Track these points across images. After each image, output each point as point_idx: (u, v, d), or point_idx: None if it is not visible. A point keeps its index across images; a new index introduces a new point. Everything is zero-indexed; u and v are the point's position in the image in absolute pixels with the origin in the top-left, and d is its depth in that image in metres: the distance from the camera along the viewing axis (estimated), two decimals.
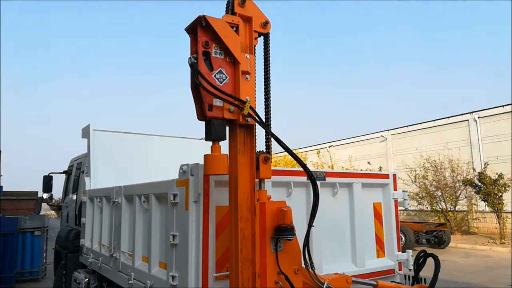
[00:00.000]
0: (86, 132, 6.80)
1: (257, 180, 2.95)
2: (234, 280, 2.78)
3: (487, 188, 16.08)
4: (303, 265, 2.98)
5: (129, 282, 4.09)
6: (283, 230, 2.77)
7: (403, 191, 4.43)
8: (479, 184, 16.58)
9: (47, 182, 8.59)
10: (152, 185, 3.85)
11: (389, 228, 4.32)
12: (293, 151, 2.95)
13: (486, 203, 16.89)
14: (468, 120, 27.28)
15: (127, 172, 6.06)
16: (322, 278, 3.08)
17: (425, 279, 3.82)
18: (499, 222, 16.41)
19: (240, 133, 2.86)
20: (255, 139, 2.90)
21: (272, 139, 2.99)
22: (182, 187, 3.24)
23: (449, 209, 19.59)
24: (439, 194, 19.85)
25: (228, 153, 2.89)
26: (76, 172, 7.92)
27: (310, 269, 2.96)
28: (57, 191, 9.67)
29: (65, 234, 7.53)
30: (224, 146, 2.93)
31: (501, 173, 16.25)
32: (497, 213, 16.37)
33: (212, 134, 2.74)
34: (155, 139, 7.19)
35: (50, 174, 8.65)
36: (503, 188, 15.92)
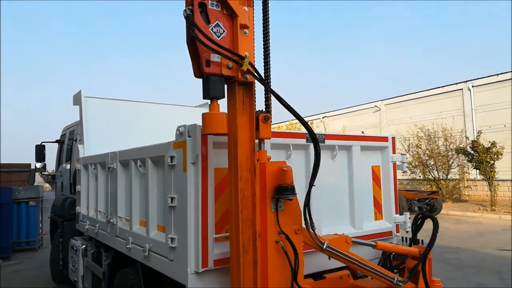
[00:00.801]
0: (77, 99, 6.64)
1: (257, 140, 2.87)
2: (234, 240, 2.76)
3: (479, 156, 16.23)
4: (303, 226, 2.96)
5: (127, 246, 4.07)
6: (284, 190, 2.72)
7: (402, 154, 4.40)
8: (472, 152, 16.73)
9: (40, 151, 8.46)
10: (148, 149, 3.77)
11: (387, 191, 4.31)
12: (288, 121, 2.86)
13: (478, 171, 17.10)
14: (462, 89, 27.24)
15: (121, 139, 5.92)
16: (322, 238, 3.08)
17: (422, 241, 3.84)
18: (490, 190, 16.68)
19: (239, 91, 2.76)
20: (255, 98, 2.80)
21: (272, 98, 2.90)
22: (179, 149, 3.16)
23: (441, 177, 19.85)
24: (432, 163, 20.05)
25: (226, 113, 2.80)
26: (69, 141, 7.80)
27: (310, 229, 2.94)
28: (51, 164, 9.56)
29: (61, 202, 7.49)
30: (223, 106, 2.84)
31: (493, 141, 16.38)
32: (488, 181, 16.61)
33: (210, 92, 2.63)
34: (148, 106, 7.05)
35: (43, 143, 8.52)
36: (496, 156, 16.09)
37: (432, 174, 19.96)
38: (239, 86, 2.76)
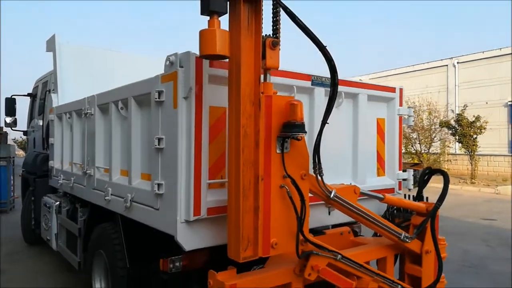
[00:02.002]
0: (51, 45, 6.02)
1: (262, 70, 2.46)
2: (233, 183, 2.39)
3: (463, 129, 16.28)
4: (310, 172, 2.61)
5: (105, 198, 3.66)
6: (293, 126, 2.34)
7: (409, 107, 4.08)
8: (456, 126, 16.77)
9: (10, 105, 7.82)
10: (131, 87, 3.31)
11: (392, 146, 4.00)
12: None
13: (461, 144, 17.21)
14: (447, 65, 27.24)
15: (97, 89, 5.39)
16: (330, 187, 2.74)
17: (427, 198, 3.58)
18: (471, 164, 16.86)
19: (244, 9, 2.32)
20: (262, 18, 2.37)
21: (280, 21, 2.47)
22: (169, 82, 2.72)
23: (423, 151, 19.97)
24: (415, 136, 20.10)
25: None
26: (42, 94, 7.17)
27: (318, 176, 2.59)
28: (22, 123, 8.82)
29: (32, 158, 6.97)
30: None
31: (478, 115, 16.42)
32: (470, 154, 16.76)
33: (210, 4, 2.19)
34: (131, 57, 6.47)
35: (13, 97, 7.86)
36: (479, 131, 16.17)
37: (415, 147, 20.04)
38: (244, 3, 2.32)
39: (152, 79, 2.94)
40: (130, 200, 3.22)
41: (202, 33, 2.23)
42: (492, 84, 24.13)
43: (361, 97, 3.67)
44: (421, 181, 3.59)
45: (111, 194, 3.61)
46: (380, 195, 3.18)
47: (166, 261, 2.97)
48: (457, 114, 17.26)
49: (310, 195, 2.64)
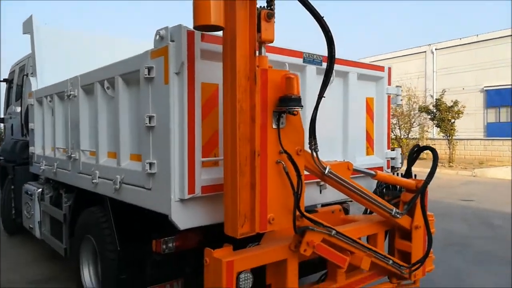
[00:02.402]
0: (28, 26, 5.78)
1: (257, 43, 2.41)
2: (230, 159, 2.35)
3: (442, 114, 16.62)
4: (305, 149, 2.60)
5: (93, 181, 3.57)
6: (290, 100, 2.31)
7: (397, 86, 4.11)
8: (434, 110, 17.10)
9: None
10: (118, 65, 3.20)
11: (380, 125, 4.03)
12: None
13: (439, 129, 17.58)
14: (425, 52, 27.66)
15: (77, 72, 5.23)
16: (324, 163, 2.74)
17: (415, 175, 3.63)
18: (449, 147, 17.27)
19: None
20: None
21: None
22: (159, 57, 2.64)
23: (402, 136, 20.33)
24: (394, 122, 20.41)
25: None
26: (19, 79, 6.90)
27: (314, 151, 2.58)
28: None
29: (11, 146, 6.75)
30: None
31: (456, 100, 16.78)
32: (448, 139, 17.16)
33: None
34: (108, 39, 6.27)
35: None
36: (457, 115, 16.54)
37: (394, 132, 20.37)
38: None
39: (141, 56, 2.85)
40: (120, 181, 3.15)
41: (196, 2, 2.15)
42: (468, 70, 24.68)
43: (351, 76, 3.67)
44: (410, 159, 3.64)
45: (99, 177, 3.53)
46: (372, 172, 3.21)
47: (159, 242, 2.93)
48: (436, 99, 17.59)
49: (305, 172, 2.64)
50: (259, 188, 2.35)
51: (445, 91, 18.03)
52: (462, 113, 16.73)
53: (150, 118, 2.72)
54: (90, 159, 3.80)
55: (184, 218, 2.63)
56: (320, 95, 2.45)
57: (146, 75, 2.71)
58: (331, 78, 3.45)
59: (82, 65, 5.20)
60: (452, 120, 16.66)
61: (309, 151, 2.61)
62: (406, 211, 3.25)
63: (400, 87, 4.10)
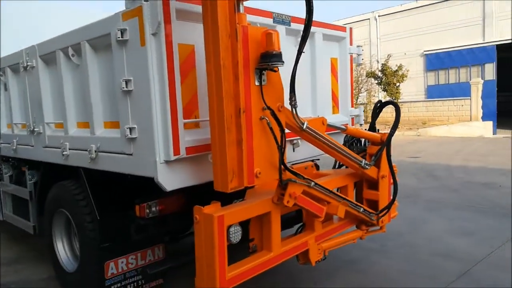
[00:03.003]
0: None
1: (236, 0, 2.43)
2: (216, 117, 2.40)
3: (387, 78, 17.42)
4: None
5: (63, 153, 3.46)
6: (271, 56, 2.39)
7: (358, 46, 4.29)
8: (381, 75, 17.87)
9: None
10: (83, 31, 3.07)
11: (344, 84, 4.22)
12: None
13: (385, 93, 18.43)
14: (369, 19, 28.47)
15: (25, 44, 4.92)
16: (302, 119, 2.86)
17: (378, 129, 3.88)
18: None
19: None
20: None
21: None
22: (132, 18, 2.59)
23: None
24: None
25: None
26: None
27: (293, 108, 2.69)
28: None
29: None
30: None
31: (400, 64, 17.60)
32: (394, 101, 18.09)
33: None
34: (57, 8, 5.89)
35: None
36: (401, 79, 17.41)
37: None
38: None
39: (110, 18, 2.76)
40: (95, 151, 3.09)
41: None
42: (409, 36, 25.82)
43: (317, 36, 3.78)
44: (374, 114, 3.88)
45: (70, 149, 3.43)
46: (343, 127, 3.39)
47: (143, 206, 2.96)
48: (382, 64, 18.34)
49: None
50: (246, 144, 2.43)
51: (390, 56, 18.82)
52: (406, 76, 17.63)
53: (127, 82, 2.68)
54: (57, 132, 3.67)
55: (170, 179, 2.67)
56: (300, 51, 2.53)
57: (119, 38, 2.65)
58: (298, 39, 3.56)
59: (29, 36, 4.91)
60: (397, 84, 17.53)
61: (288, 107, 2.71)
62: (374, 162, 3.49)
63: (361, 46, 4.29)
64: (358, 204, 3.47)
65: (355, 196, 3.83)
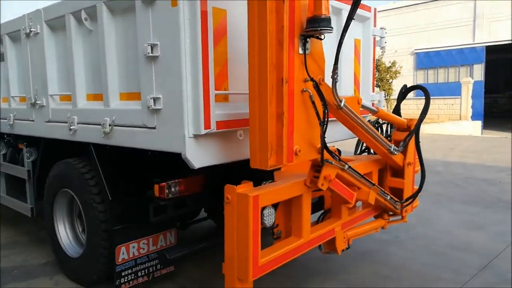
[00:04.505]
0: None
1: None
2: (258, 87, 2.18)
3: (381, 74, 17.39)
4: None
5: (70, 128, 3.19)
6: (320, 21, 2.17)
7: (381, 28, 4.10)
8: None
9: None
10: None
11: (367, 68, 4.03)
12: None
13: (378, 88, 18.42)
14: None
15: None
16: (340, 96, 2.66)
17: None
18: (387, 106, 18.25)
19: None
20: None
21: None
22: None
23: None
24: None
25: None
26: None
27: (335, 82, 2.48)
28: None
29: None
30: None
31: (394, 60, 17.58)
32: (386, 98, 18.08)
33: None
34: None
35: None
36: (395, 75, 17.40)
37: None
38: None
39: None
40: (110, 124, 2.83)
41: None
42: (401, 34, 25.87)
43: (344, 14, 3.57)
44: (399, 97, 3.72)
45: (78, 123, 3.16)
46: (374, 109, 3.22)
47: (163, 186, 2.72)
48: (376, 59, 18.31)
49: None
50: (287, 118, 2.22)
51: (384, 52, 18.78)
52: (399, 73, 17.64)
53: (153, 47, 2.43)
54: (63, 105, 3.39)
55: (198, 156, 2.44)
56: (350, 16, 2.33)
57: None
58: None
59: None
60: (390, 80, 17.53)
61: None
62: (402, 148, 3.33)
63: (385, 29, 4.11)
64: (386, 191, 3.31)
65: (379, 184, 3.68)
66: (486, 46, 23.38)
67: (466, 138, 15.51)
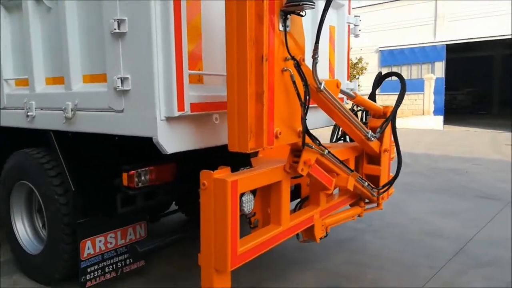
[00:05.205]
0: None
1: None
2: (236, 65, 2.04)
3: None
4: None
5: (28, 114, 2.94)
6: None
7: (355, 16, 4.06)
8: None
9: None
10: None
11: (341, 56, 3.99)
12: None
13: None
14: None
15: None
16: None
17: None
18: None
19: None
20: None
21: None
22: None
23: None
24: None
25: None
26: None
27: (315, 62, 2.38)
28: None
29: None
30: None
31: (360, 57, 17.86)
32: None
33: None
34: None
35: None
36: (361, 71, 17.69)
37: None
38: None
39: None
40: (72, 109, 2.61)
41: None
42: (366, 32, 26.35)
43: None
44: (375, 84, 3.69)
45: (37, 109, 2.90)
46: (352, 94, 3.15)
47: (132, 174, 2.54)
48: None
49: None
50: (267, 98, 2.10)
51: (351, 48, 19.03)
52: (366, 69, 17.94)
53: (120, 22, 2.24)
54: (19, 90, 3.12)
55: (171, 140, 2.27)
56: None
57: None
58: None
59: None
60: (357, 76, 17.80)
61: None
62: (379, 134, 3.29)
63: (359, 17, 4.07)
64: (363, 178, 3.26)
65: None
66: (446, 45, 24.22)
67: (429, 132, 16.00)
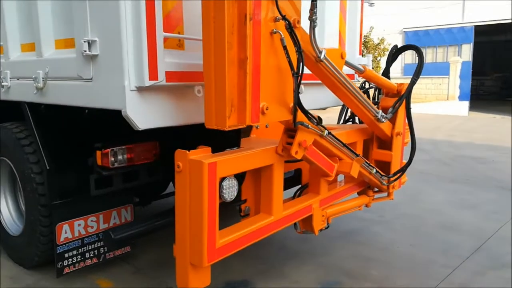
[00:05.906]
0: None
1: None
2: (213, 25, 1.71)
3: (369, 51, 16.93)
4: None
5: (3, 84, 2.70)
6: None
7: None
8: (362, 48, 17.39)
9: None
10: None
11: (353, 29, 3.57)
12: None
13: None
14: None
15: None
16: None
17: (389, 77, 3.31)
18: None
19: None
20: None
21: None
22: None
23: None
24: None
25: None
26: None
27: (314, 25, 2.02)
28: None
29: None
30: None
31: (383, 37, 17.11)
32: None
33: None
34: None
35: None
36: (383, 52, 16.97)
37: None
38: None
39: None
40: (43, 78, 2.35)
41: None
42: (390, 13, 25.33)
43: None
44: (389, 59, 3.30)
45: (11, 79, 2.66)
46: (360, 67, 2.78)
47: (106, 153, 2.27)
48: (364, 36, 17.79)
49: None
50: (251, 66, 1.77)
51: (373, 28, 18.25)
52: (387, 50, 17.17)
53: None
54: None
55: (143, 114, 1.98)
56: None
57: None
58: None
59: None
60: (379, 58, 17.10)
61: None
62: (391, 114, 2.93)
63: None
64: (371, 164, 2.91)
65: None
66: (475, 26, 23.04)
67: (453, 117, 15.29)
